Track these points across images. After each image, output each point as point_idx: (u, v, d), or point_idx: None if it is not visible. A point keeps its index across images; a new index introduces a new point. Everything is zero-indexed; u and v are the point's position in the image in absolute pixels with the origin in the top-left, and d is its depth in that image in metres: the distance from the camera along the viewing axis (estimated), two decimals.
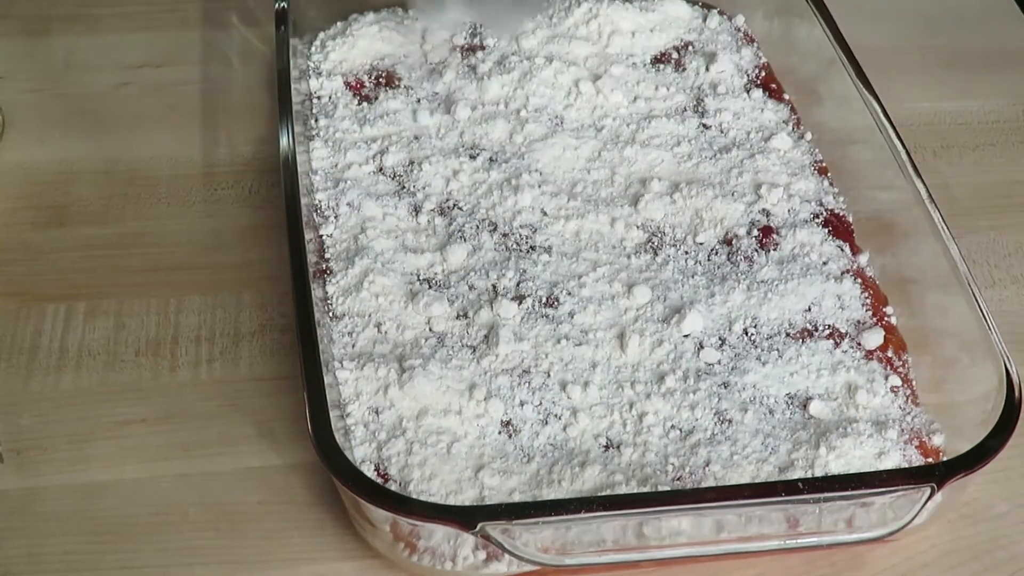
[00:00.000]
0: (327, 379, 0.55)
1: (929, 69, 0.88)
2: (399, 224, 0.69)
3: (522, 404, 0.60)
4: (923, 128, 0.83)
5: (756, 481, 0.57)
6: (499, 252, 0.67)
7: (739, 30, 0.84)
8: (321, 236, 0.68)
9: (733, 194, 0.71)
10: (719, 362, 0.62)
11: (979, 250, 0.74)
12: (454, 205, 0.70)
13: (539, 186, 0.71)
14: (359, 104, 0.76)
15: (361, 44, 0.79)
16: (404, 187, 0.71)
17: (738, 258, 0.67)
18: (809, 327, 0.64)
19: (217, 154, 0.78)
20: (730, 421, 0.59)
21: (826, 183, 0.73)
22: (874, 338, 0.64)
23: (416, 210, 0.70)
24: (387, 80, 0.78)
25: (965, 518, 0.61)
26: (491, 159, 0.73)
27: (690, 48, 0.81)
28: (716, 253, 0.68)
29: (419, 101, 0.77)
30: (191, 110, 0.81)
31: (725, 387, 0.61)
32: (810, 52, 0.79)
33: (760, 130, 0.76)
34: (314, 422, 0.53)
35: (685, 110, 0.77)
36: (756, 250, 0.68)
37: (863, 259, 0.69)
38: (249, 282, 0.70)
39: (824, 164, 0.74)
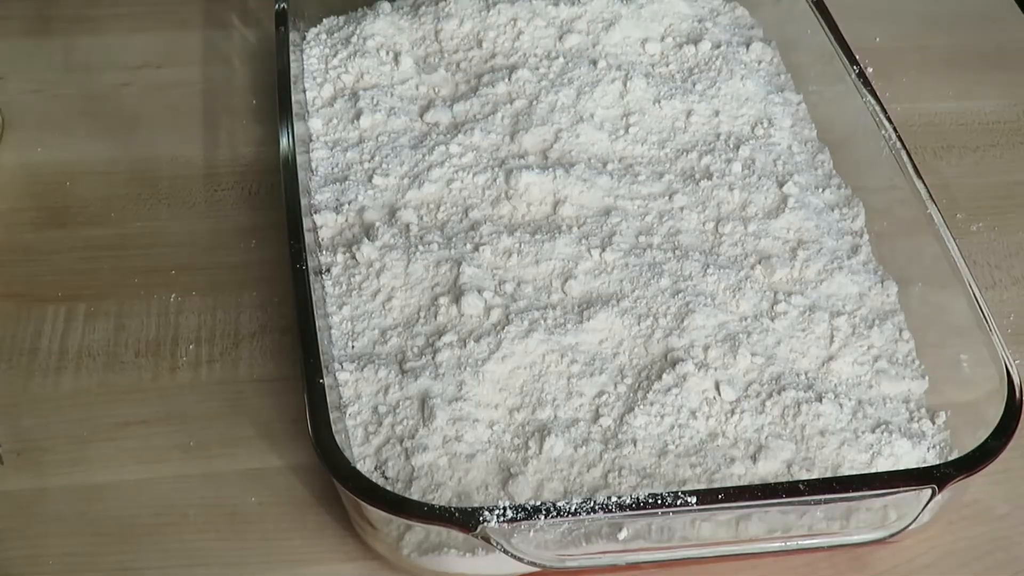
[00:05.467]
0: (327, 380, 0.55)
1: (929, 69, 0.88)
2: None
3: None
4: (923, 128, 0.83)
5: (757, 482, 0.57)
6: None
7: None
8: (321, 237, 0.68)
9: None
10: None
11: (979, 250, 0.74)
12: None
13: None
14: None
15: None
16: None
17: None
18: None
19: (217, 155, 0.78)
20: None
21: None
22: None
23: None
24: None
25: (966, 519, 0.61)
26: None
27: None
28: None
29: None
30: (191, 110, 0.81)
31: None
32: (810, 52, 0.79)
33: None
34: (314, 424, 0.53)
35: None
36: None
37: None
38: (249, 283, 0.70)
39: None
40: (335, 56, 0.79)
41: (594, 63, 0.78)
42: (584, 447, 0.58)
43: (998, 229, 0.76)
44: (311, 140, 0.74)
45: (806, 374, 0.62)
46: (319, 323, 0.58)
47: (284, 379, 0.65)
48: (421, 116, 0.76)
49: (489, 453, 0.58)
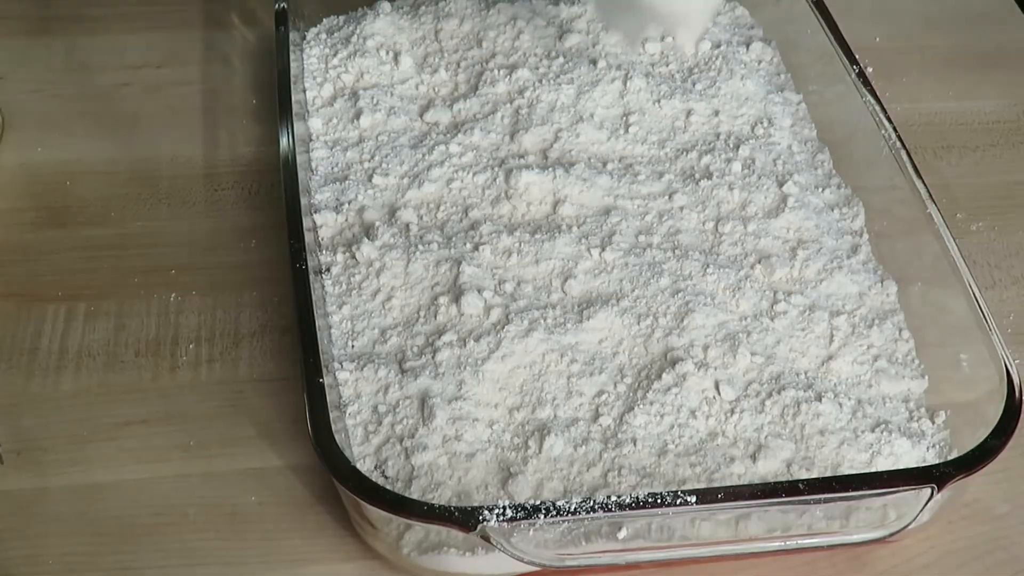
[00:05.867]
0: (327, 380, 0.55)
1: (929, 69, 0.88)
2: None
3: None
4: (923, 128, 0.83)
5: (757, 482, 0.57)
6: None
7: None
8: (321, 237, 0.68)
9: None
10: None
11: (979, 250, 0.74)
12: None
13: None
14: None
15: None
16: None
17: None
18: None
19: (217, 154, 0.78)
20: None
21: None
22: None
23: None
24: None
25: (966, 519, 0.61)
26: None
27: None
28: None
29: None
30: (191, 110, 0.81)
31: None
32: (810, 52, 0.79)
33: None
34: (314, 423, 0.53)
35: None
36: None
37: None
38: (249, 282, 0.70)
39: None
40: (335, 56, 0.79)
41: (594, 63, 0.78)
42: (584, 446, 0.58)
43: (998, 229, 0.76)
44: (311, 140, 0.74)
45: (806, 373, 0.62)
46: (319, 323, 0.58)
47: (284, 379, 0.65)
48: (421, 116, 0.76)
49: (489, 452, 0.58)
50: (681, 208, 0.70)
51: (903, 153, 0.68)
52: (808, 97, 0.79)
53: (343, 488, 0.52)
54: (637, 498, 0.51)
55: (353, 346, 0.62)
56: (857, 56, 0.74)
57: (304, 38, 0.81)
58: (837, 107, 0.75)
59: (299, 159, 0.66)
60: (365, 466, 0.57)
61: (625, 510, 0.51)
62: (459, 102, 0.76)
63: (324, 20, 0.83)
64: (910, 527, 0.55)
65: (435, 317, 0.63)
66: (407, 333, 0.63)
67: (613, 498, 0.51)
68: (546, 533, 0.52)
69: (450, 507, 0.51)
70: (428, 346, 0.62)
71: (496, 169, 0.72)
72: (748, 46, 0.83)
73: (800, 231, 0.69)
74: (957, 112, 0.85)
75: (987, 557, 0.59)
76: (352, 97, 0.77)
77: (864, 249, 0.69)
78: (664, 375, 0.60)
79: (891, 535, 0.55)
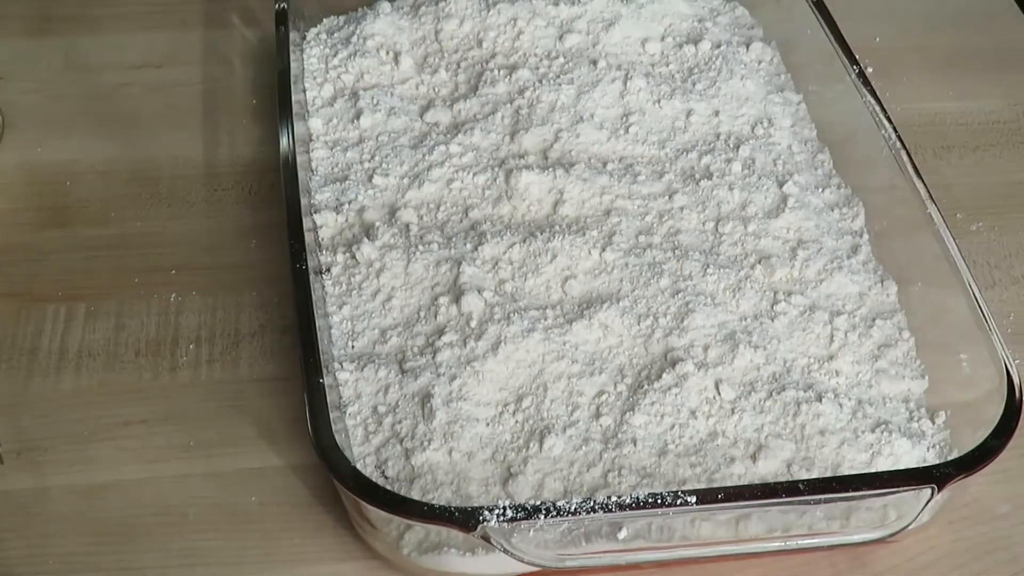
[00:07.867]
0: (327, 380, 0.55)
1: (929, 69, 0.88)
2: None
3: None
4: (923, 128, 0.83)
5: (757, 482, 0.57)
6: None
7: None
8: (321, 237, 0.68)
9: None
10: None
11: (979, 250, 0.74)
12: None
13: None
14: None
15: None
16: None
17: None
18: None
19: (217, 154, 0.78)
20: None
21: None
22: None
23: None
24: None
25: (966, 519, 0.61)
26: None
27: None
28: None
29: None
30: (191, 110, 0.81)
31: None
32: (810, 52, 0.79)
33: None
34: (314, 423, 0.53)
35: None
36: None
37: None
38: (249, 282, 0.70)
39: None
40: (335, 56, 0.79)
41: (594, 63, 0.78)
42: (584, 446, 0.58)
43: (998, 229, 0.76)
44: (311, 140, 0.74)
45: (806, 374, 0.62)
46: (319, 323, 0.58)
47: (284, 379, 0.65)
48: (421, 116, 0.76)
49: (489, 452, 0.58)
50: (681, 208, 0.70)
51: (903, 153, 0.68)
52: (808, 97, 0.79)
53: (343, 488, 0.52)
54: (637, 498, 0.51)
55: (353, 346, 0.62)
56: (857, 56, 0.74)
57: (304, 38, 0.81)
58: (837, 107, 0.75)
59: (299, 159, 0.66)
60: (365, 466, 0.57)
61: (625, 510, 0.51)
62: (459, 102, 0.76)
63: (324, 20, 0.83)
64: (910, 527, 0.55)
65: (435, 317, 0.63)
66: (407, 333, 0.63)
67: (613, 498, 0.51)
68: (546, 533, 0.52)
69: (450, 507, 0.51)
70: (428, 346, 0.62)
71: (496, 169, 0.72)
72: (748, 46, 0.83)
73: (800, 231, 0.69)
74: (957, 112, 0.85)
75: (987, 557, 0.59)
76: (352, 97, 0.77)
77: (864, 249, 0.69)
78: (664, 375, 0.60)
79: (891, 535, 0.55)
